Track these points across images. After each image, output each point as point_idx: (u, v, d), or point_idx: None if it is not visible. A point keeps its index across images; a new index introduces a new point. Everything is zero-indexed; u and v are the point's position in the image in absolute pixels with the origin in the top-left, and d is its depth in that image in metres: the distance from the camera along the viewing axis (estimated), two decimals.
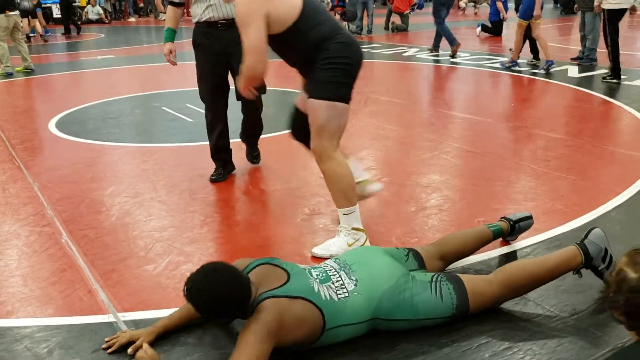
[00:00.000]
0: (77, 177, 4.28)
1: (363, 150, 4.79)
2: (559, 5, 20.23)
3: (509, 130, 5.38)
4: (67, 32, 15.98)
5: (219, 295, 1.97)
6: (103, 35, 15.85)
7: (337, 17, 13.78)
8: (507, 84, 7.72)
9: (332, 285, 2.17)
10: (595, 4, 7.41)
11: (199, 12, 3.88)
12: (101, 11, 20.38)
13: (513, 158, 4.51)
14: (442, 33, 9.92)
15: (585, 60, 8.38)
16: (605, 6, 7.05)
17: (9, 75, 9.13)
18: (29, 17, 14.55)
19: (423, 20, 17.24)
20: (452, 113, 6.05)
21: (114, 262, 2.92)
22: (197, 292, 1.98)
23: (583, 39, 8.51)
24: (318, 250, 2.95)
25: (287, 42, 2.82)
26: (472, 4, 20.07)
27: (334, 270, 2.25)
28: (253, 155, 4.48)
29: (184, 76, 9.15)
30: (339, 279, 2.21)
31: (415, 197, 3.72)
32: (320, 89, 2.81)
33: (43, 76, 9.27)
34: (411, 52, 10.64)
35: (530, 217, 2.90)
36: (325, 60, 2.77)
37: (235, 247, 3.12)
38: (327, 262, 2.34)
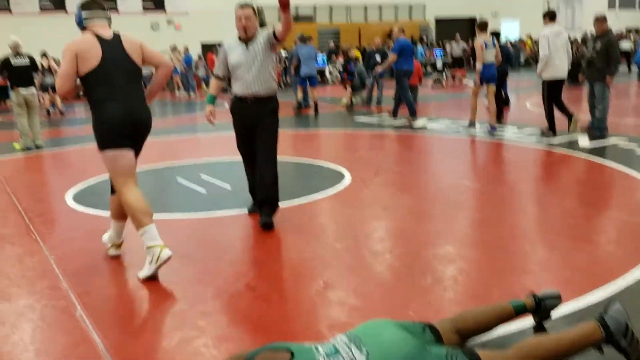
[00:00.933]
0: (92, 250, 4.31)
1: (375, 221, 4.80)
2: None
3: (523, 200, 5.38)
4: None
5: None
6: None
7: (348, 88, 14.12)
8: (518, 155, 7.78)
9: (342, 359, 2.14)
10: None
11: (235, 88, 4.79)
12: None
13: (529, 229, 4.49)
14: (404, 101, 10.90)
15: (596, 130, 8.46)
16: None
17: (28, 149, 9.34)
18: (50, 91, 15.04)
19: (432, 92, 17.60)
20: (465, 183, 6.08)
21: (128, 336, 2.89)
22: None
23: (592, 108, 8.61)
24: (140, 274, 3.64)
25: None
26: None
27: (344, 343, 2.22)
28: (267, 221, 4.74)
29: (198, 148, 9.33)
30: (349, 351, 2.18)
31: (430, 269, 3.69)
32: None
33: (61, 149, 9.49)
34: (420, 123, 10.80)
35: (557, 297, 2.76)
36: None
37: (248, 321, 3.09)
38: (337, 336, 2.32)
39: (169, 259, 3.62)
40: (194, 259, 4.02)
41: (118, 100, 3.75)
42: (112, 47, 3.81)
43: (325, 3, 28.57)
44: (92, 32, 3.82)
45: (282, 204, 5.38)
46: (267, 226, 4.64)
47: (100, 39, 3.79)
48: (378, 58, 14.02)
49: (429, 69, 25.82)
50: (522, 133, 8.94)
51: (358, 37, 27.61)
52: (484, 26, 9.39)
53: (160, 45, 24.38)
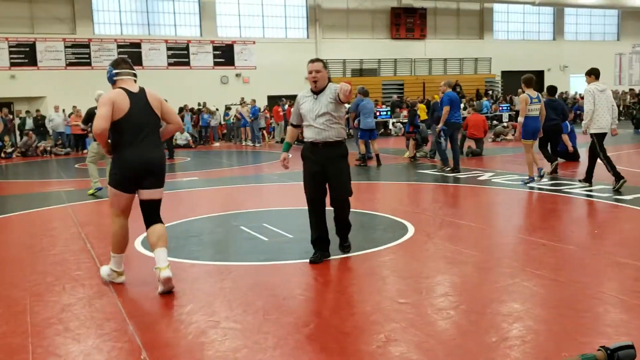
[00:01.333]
0: (158, 294, 4.41)
1: (439, 275, 4.71)
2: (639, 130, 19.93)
3: (594, 258, 5.16)
4: (170, 157, 16.62)
5: None
6: (189, 159, 16.85)
7: (411, 141, 14.12)
8: (587, 210, 7.52)
9: None
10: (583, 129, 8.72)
11: (307, 134, 5.25)
12: (189, 137, 21.84)
13: (600, 288, 4.29)
14: (438, 151, 11.77)
15: None
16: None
17: (98, 190, 9.75)
18: None
19: (499, 145, 17.35)
20: (532, 239, 5.89)
21: None
22: None
23: None
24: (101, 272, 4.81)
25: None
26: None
27: None
28: (344, 246, 5.51)
29: (261, 197, 9.50)
30: None
31: (495, 327, 3.57)
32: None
33: None
34: (486, 176, 10.64)
35: (631, 347, 2.63)
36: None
37: None
38: None
39: (115, 282, 4.69)
40: (255, 306, 4.05)
41: (137, 147, 4.49)
42: (138, 99, 4.54)
43: (390, 57, 29.01)
44: (121, 86, 4.55)
45: (345, 256, 5.38)
46: (346, 248, 5.47)
47: (128, 92, 4.50)
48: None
49: (494, 122, 25.54)
50: (592, 188, 8.64)
51: (422, 89, 27.77)
52: (529, 81, 9.48)
53: (229, 97, 25.34)
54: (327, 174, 5.20)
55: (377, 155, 13.14)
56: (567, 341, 3.32)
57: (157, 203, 4.83)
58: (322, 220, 5.32)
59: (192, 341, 3.49)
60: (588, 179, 8.91)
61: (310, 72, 5.11)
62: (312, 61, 5.16)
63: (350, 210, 5.51)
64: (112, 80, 4.64)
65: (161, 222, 4.78)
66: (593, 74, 8.81)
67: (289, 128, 5.57)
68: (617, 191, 8.27)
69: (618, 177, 8.46)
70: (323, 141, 5.14)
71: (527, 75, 9.73)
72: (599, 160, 8.77)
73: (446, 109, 11.21)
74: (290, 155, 5.60)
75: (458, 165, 11.35)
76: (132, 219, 4.82)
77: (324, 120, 5.11)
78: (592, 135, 8.64)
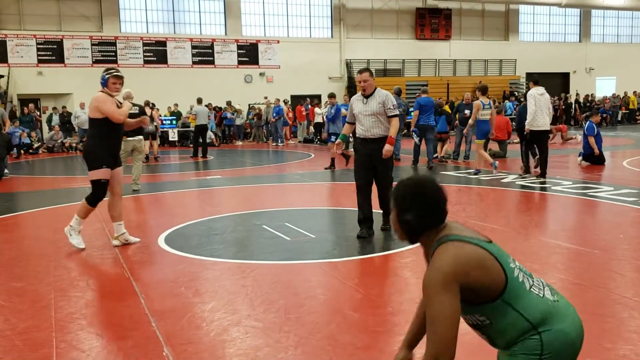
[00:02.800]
0: (180, 291, 4.46)
1: None
2: None
3: (619, 262, 5.08)
4: (194, 155, 16.71)
5: (422, 190, 2.08)
6: (212, 157, 16.98)
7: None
8: (611, 214, 7.40)
9: (533, 281, 2.10)
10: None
11: (357, 131, 6.19)
12: (212, 136, 21.99)
13: (625, 293, 4.22)
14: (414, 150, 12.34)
15: None
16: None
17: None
18: (150, 138, 15.92)
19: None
20: (556, 242, 5.82)
21: None
22: (406, 184, 2.11)
23: None
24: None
25: None
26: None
27: (539, 281, 2.15)
28: (385, 228, 6.28)
29: (283, 197, 9.52)
30: (544, 288, 2.12)
31: None
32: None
33: (156, 193, 9.98)
34: (509, 178, 10.54)
35: None
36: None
37: None
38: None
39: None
40: (276, 305, 4.06)
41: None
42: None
43: (414, 57, 28.89)
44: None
45: (367, 256, 5.38)
46: (386, 230, 6.23)
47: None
48: (468, 112, 13.92)
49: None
50: (617, 192, 8.52)
51: (446, 90, 27.59)
52: (484, 90, 11.43)
53: (253, 96, 25.45)
54: (373, 163, 6.11)
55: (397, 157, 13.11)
56: (591, 346, 3.27)
57: (91, 183, 5.83)
58: (367, 202, 6.17)
59: (214, 338, 3.51)
60: (543, 173, 10.27)
61: (359, 82, 6.10)
62: (360, 72, 6.12)
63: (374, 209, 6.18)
64: (105, 85, 5.79)
65: (86, 198, 5.86)
66: (533, 80, 10.54)
67: (346, 124, 6.54)
68: (521, 177, 10.42)
69: (527, 170, 10.67)
70: (371, 137, 6.07)
71: (482, 84, 11.83)
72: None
73: (415, 113, 12.40)
74: (344, 145, 6.48)
75: (431, 162, 12.55)
76: (155, 215, 4.87)
77: (372, 120, 6.06)
78: (530, 132, 10.17)
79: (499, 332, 2.11)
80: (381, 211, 6.38)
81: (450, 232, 2.09)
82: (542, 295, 2.10)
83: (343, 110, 18.07)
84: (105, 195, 5.85)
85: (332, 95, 13.71)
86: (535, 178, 10.33)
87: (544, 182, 9.84)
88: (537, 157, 10.98)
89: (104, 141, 5.73)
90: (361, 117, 6.12)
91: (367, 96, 6.09)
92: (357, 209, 6.25)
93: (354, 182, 6.40)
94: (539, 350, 2.07)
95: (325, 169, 12.82)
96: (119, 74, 5.85)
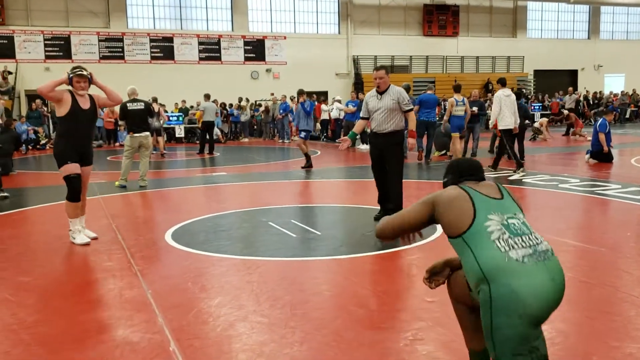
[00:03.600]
0: (187, 287, 4.48)
1: None
2: None
3: (626, 261, 5.06)
4: (201, 152, 16.73)
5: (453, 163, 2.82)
6: (219, 154, 17.00)
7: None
8: (619, 211, 7.37)
9: (514, 240, 2.37)
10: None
11: (372, 125, 6.62)
12: (219, 132, 22.02)
13: (632, 291, 4.21)
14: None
15: None
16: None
17: (122, 187, 9.93)
18: (155, 134, 15.97)
19: (530, 145, 17.11)
20: (563, 240, 5.81)
21: None
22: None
23: None
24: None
25: None
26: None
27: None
28: (388, 209, 6.37)
29: (289, 193, 9.53)
30: (517, 247, 2.34)
31: None
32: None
33: (163, 189, 10.01)
34: (516, 176, 10.51)
35: None
36: None
37: None
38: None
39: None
40: (282, 301, 4.07)
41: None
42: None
43: (422, 54, 28.82)
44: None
45: (373, 253, 5.39)
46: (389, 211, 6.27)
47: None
48: (475, 109, 13.89)
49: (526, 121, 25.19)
50: (625, 190, 8.48)
51: None
52: (458, 88, 12.98)
53: (259, 93, 25.46)
54: (384, 156, 6.50)
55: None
56: (598, 344, 3.26)
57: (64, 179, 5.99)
58: (383, 182, 6.67)
59: (220, 334, 3.52)
60: (494, 165, 11.39)
61: (375, 79, 6.41)
62: (377, 69, 6.47)
63: (402, 189, 6.67)
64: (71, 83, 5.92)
65: (66, 197, 5.94)
66: (501, 82, 11.30)
67: (359, 120, 6.86)
68: (515, 172, 10.84)
69: (519, 164, 11.01)
70: (382, 132, 6.43)
71: (456, 83, 13.44)
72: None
73: (415, 108, 12.57)
74: (350, 142, 6.69)
75: (429, 157, 13.21)
76: (162, 212, 4.88)
77: (384, 116, 6.42)
78: (500, 131, 11.06)
79: (466, 274, 2.44)
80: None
81: (466, 185, 2.62)
82: (503, 251, 2.30)
83: (350, 107, 18.13)
84: (80, 188, 5.93)
85: (301, 92, 13.29)
86: (517, 173, 10.79)
87: (523, 175, 9.81)
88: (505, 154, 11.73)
89: (70, 138, 5.88)
90: (375, 112, 6.48)
91: (381, 92, 6.44)
92: (364, 205, 6.33)
93: (360, 180, 6.44)
94: (489, 303, 2.27)
95: (302, 167, 12.48)
96: (83, 72, 5.96)
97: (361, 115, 6.81)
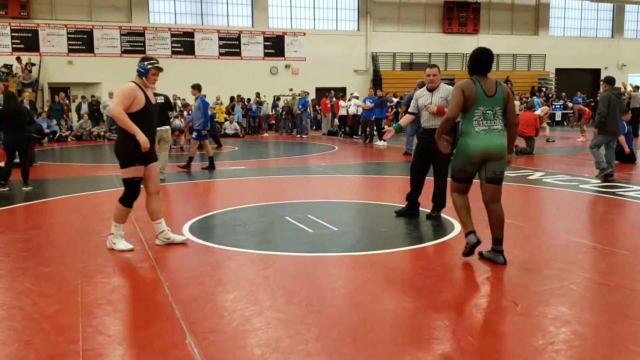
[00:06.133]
0: (203, 280, 4.50)
1: (484, 274, 4.64)
2: None
3: None
4: (220, 146, 16.88)
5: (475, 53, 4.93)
6: (237, 148, 17.07)
7: None
8: None
9: (482, 119, 4.77)
10: None
11: (422, 121, 6.73)
12: (238, 127, 22.10)
13: None
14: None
15: None
16: None
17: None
18: (177, 133, 16.06)
19: (549, 145, 16.93)
20: (582, 241, 5.74)
21: None
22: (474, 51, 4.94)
23: None
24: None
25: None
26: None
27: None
28: (431, 216, 6.72)
29: (306, 188, 9.54)
30: (482, 124, 4.77)
31: (542, 330, 3.49)
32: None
33: (181, 183, 10.07)
34: (536, 175, 10.40)
35: None
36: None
37: None
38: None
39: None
40: (298, 297, 4.08)
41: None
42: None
43: (441, 51, 28.63)
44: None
45: (389, 250, 5.37)
46: (435, 218, 6.68)
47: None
48: None
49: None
50: None
51: None
52: (421, 85, 12.97)
53: (278, 88, 25.50)
54: (431, 152, 6.48)
55: None
56: (618, 349, 3.22)
57: (123, 182, 5.49)
58: (419, 181, 6.78)
59: (236, 328, 3.54)
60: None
61: (428, 75, 6.62)
62: (430, 67, 6.66)
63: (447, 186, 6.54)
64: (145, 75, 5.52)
65: (120, 200, 5.51)
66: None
67: (407, 115, 7.01)
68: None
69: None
70: (430, 127, 6.55)
71: (421, 82, 13.95)
72: None
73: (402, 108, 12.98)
74: (394, 133, 6.69)
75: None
76: (180, 205, 4.91)
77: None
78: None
79: (459, 129, 4.88)
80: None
81: (477, 77, 4.79)
82: (474, 125, 4.73)
83: (368, 103, 18.07)
84: (138, 194, 5.50)
85: (196, 87, 11.58)
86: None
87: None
88: None
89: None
90: (424, 109, 6.64)
91: (431, 90, 6.62)
92: (381, 202, 6.34)
93: (378, 176, 6.42)
94: (457, 146, 4.88)
95: (180, 167, 11.83)
96: (159, 65, 5.58)
97: (410, 110, 6.93)
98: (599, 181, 9.55)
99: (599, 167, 9.90)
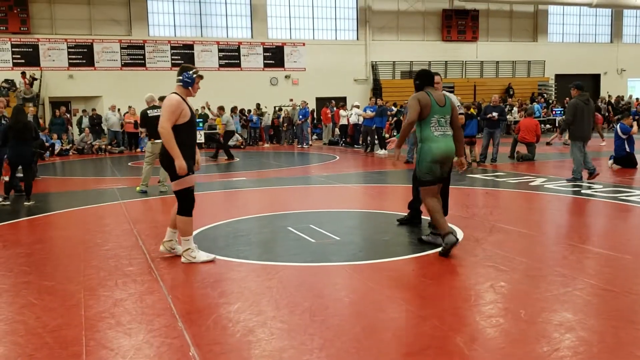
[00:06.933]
0: (207, 292, 4.49)
1: (488, 281, 4.63)
2: None
3: None
4: (215, 157, 16.90)
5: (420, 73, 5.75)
6: (238, 159, 17.09)
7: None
8: None
9: (438, 125, 5.51)
10: None
11: None
12: (239, 138, 22.12)
13: None
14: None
15: None
16: None
17: (143, 192, 10.02)
18: None
19: (550, 150, 16.93)
20: (586, 247, 5.73)
21: None
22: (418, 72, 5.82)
23: None
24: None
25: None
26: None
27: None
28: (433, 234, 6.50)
29: (308, 199, 9.54)
30: (439, 129, 5.53)
31: (547, 337, 3.48)
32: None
33: None
34: (538, 181, 10.39)
35: None
36: None
37: None
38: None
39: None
40: (301, 307, 4.07)
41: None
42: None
43: (441, 59, 28.70)
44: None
45: (392, 259, 5.37)
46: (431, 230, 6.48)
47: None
48: (495, 115, 13.80)
49: (548, 125, 25.05)
50: None
51: (473, 92, 27.34)
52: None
53: (278, 99, 25.55)
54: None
55: None
56: (623, 355, 3.20)
57: (175, 194, 5.45)
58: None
59: (239, 339, 3.53)
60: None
61: (437, 83, 6.56)
62: (437, 74, 6.72)
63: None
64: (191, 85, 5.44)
65: (179, 212, 5.45)
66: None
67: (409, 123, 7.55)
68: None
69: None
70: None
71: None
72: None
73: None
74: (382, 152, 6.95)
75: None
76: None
77: None
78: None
79: (417, 136, 5.59)
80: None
81: (428, 90, 5.57)
82: (432, 131, 5.46)
83: (369, 112, 18.11)
84: (194, 201, 5.48)
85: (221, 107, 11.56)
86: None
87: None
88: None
89: (188, 147, 5.31)
90: None
91: None
92: (383, 210, 6.31)
93: (379, 185, 6.39)
94: (420, 150, 5.51)
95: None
96: (201, 74, 5.51)
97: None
98: (570, 184, 9.56)
99: (577, 173, 10.17)
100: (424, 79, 5.62)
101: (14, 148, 9.10)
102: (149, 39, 24.88)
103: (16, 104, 9.89)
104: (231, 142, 21.93)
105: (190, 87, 5.38)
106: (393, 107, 22.81)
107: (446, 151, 5.46)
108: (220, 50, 25.90)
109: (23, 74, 21.89)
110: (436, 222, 5.45)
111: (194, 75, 5.37)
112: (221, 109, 18.21)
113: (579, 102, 10.15)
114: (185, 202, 5.40)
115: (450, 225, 6.67)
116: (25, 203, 9.10)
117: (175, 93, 5.33)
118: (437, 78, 6.65)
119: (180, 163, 5.17)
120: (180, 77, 5.36)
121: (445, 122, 5.50)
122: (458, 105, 6.62)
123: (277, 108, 25.07)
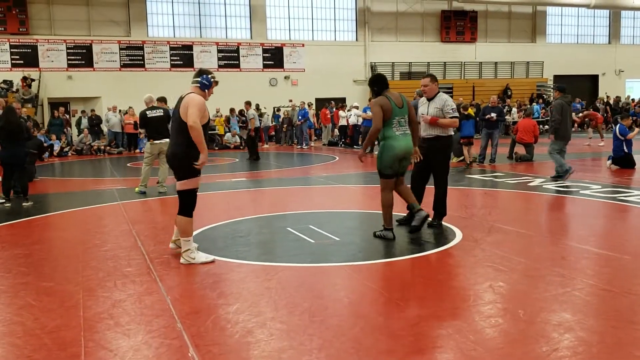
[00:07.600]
0: (206, 293, 4.49)
1: (487, 282, 4.63)
2: None
3: None
4: (255, 158, 16.62)
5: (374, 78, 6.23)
6: (237, 160, 17.07)
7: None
8: None
9: (399, 125, 6.01)
10: None
11: (421, 129, 6.70)
12: (237, 139, 22.11)
13: None
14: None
15: None
16: None
17: (142, 193, 10.02)
18: None
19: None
20: (584, 247, 5.73)
21: None
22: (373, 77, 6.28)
23: None
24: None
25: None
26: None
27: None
28: (433, 224, 6.77)
29: (307, 199, 9.53)
30: (400, 129, 6.06)
31: (546, 337, 3.48)
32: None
33: None
34: (537, 182, 10.40)
35: None
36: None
37: None
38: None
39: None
40: (300, 308, 4.07)
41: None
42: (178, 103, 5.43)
43: (439, 60, 28.72)
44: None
45: (391, 260, 5.36)
46: (436, 226, 6.72)
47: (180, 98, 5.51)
48: (494, 115, 13.80)
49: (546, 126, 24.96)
50: None
51: (472, 93, 27.36)
52: (421, 94, 14.30)
53: (277, 99, 25.55)
54: (430, 161, 6.68)
55: None
56: (622, 355, 3.20)
57: (179, 194, 5.43)
58: (419, 189, 6.84)
59: (238, 340, 3.53)
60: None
61: (422, 86, 6.81)
62: (423, 77, 6.88)
63: (446, 194, 6.94)
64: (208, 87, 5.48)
65: (180, 213, 5.44)
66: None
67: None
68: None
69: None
70: (426, 136, 6.71)
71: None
72: None
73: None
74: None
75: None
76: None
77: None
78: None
79: (381, 135, 6.03)
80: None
81: (387, 94, 6.00)
82: (395, 131, 5.98)
83: (368, 113, 18.10)
84: (196, 202, 5.50)
85: None
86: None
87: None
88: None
89: (196, 150, 5.27)
90: (420, 118, 6.82)
91: (429, 99, 6.77)
92: (380, 211, 6.28)
93: (378, 185, 6.39)
94: (383, 147, 6.03)
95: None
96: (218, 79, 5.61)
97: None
98: (561, 181, 9.65)
99: (562, 169, 10.39)
100: (381, 84, 6.06)
101: (6, 148, 9.05)
102: (148, 40, 24.87)
103: (7, 105, 9.70)
104: (230, 143, 21.95)
105: (207, 90, 5.43)
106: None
107: (406, 148, 6.00)
108: (219, 51, 25.89)
109: (24, 78, 21.89)
110: (385, 215, 6.05)
111: (212, 80, 5.44)
112: (248, 103, 18.09)
113: (564, 103, 10.43)
114: (188, 202, 5.41)
115: (449, 225, 6.70)
116: (23, 204, 9.09)
117: (197, 94, 5.35)
118: (422, 81, 6.79)
119: (206, 155, 5.29)
120: (199, 79, 5.39)
121: (404, 122, 6.02)
122: (452, 109, 6.63)
123: (275, 109, 25.07)
